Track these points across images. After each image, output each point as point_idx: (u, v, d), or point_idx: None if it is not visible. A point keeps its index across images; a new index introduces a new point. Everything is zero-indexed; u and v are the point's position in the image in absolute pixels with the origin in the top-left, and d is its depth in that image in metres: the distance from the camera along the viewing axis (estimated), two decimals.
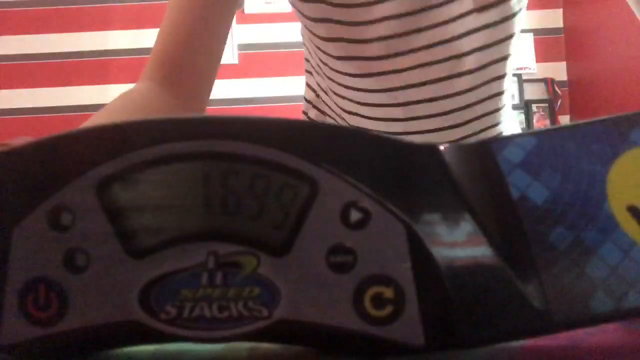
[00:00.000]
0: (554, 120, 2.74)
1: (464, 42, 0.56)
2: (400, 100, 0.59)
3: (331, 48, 0.59)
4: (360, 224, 0.19)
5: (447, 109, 0.59)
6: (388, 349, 0.19)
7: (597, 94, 2.54)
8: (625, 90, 2.31)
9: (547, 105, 2.76)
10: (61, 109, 2.65)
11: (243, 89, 2.66)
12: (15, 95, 2.68)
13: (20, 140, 0.41)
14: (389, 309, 0.18)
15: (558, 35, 2.78)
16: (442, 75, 0.57)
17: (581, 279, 0.19)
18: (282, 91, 2.64)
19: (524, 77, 2.75)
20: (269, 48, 2.70)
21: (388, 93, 0.59)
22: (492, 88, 0.59)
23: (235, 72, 2.66)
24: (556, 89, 2.77)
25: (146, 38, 2.71)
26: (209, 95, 0.59)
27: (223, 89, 2.66)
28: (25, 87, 2.68)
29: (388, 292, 0.19)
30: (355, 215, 0.19)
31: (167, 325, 0.18)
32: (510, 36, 0.58)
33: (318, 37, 0.60)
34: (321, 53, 0.61)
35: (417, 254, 0.19)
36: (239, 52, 2.68)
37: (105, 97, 2.68)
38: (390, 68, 0.57)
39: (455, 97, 0.58)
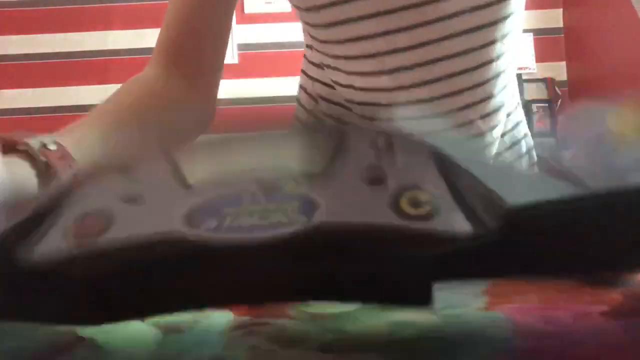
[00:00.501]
0: (554, 120, 2.74)
1: (453, 2, 0.55)
2: (388, 67, 0.57)
3: (317, 17, 0.59)
4: (389, 149, 0.21)
5: (436, 75, 0.57)
6: (434, 242, 0.19)
7: (597, 94, 2.54)
8: (625, 91, 2.31)
9: (547, 105, 2.76)
10: (61, 109, 2.65)
11: (243, 88, 2.67)
12: (16, 95, 2.68)
13: (18, 135, 0.41)
14: (427, 208, 0.19)
15: (558, 35, 2.79)
16: (431, 37, 0.56)
17: None
18: (282, 91, 2.64)
19: (524, 77, 2.75)
20: (269, 48, 2.71)
21: (376, 58, 0.58)
22: (483, 54, 0.58)
23: (235, 72, 2.67)
24: (556, 89, 2.77)
25: (146, 38, 2.71)
26: (218, 77, 0.61)
27: (223, 89, 2.65)
28: (25, 87, 2.68)
29: (424, 196, 0.20)
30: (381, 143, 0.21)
31: (207, 234, 0.19)
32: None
33: (302, 9, 0.60)
34: (310, 27, 0.61)
35: (445, 167, 0.21)
36: (239, 52, 2.68)
37: (105, 97, 2.67)
38: (376, 31, 0.57)
39: (444, 61, 0.57)
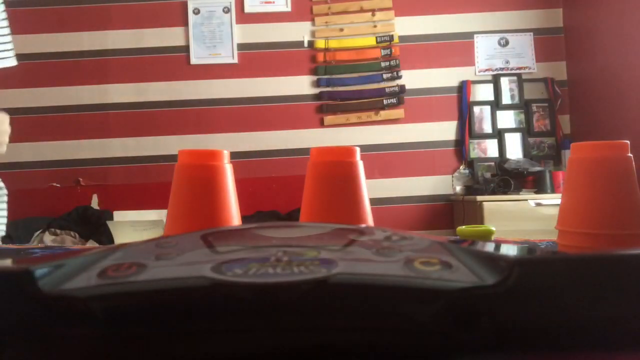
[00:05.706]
0: (553, 119, 2.74)
1: None
2: None
3: None
4: (400, 238, 0.25)
5: None
6: (446, 291, 0.20)
7: (597, 93, 2.54)
8: (625, 90, 2.31)
9: (546, 105, 2.76)
10: (61, 108, 2.65)
11: (242, 88, 2.67)
12: (15, 95, 2.68)
13: None
14: (438, 267, 0.21)
15: (558, 35, 2.78)
16: None
17: None
18: (282, 91, 2.64)
19: (523, 77, 2.75)
20: (268, 48, 2.70)
21: None
22: None
23: (234, 71, 2.66)
24: (556, 88, 2.77)
25: (146, 38, 2.71)
26: None
27: (222, 89, 2.66)
28: (26, 87, 2.68)
29: (434, 260, 0.22)
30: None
31: (232, 278, 0.20)
32: None
33: None
34: None
35: (447, 247, 0.25)
36: (238, 51, 2.68)
37: (105, 97, 2.69)
38: None
39: None
